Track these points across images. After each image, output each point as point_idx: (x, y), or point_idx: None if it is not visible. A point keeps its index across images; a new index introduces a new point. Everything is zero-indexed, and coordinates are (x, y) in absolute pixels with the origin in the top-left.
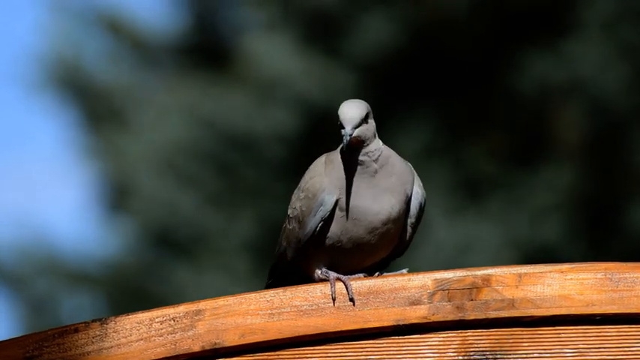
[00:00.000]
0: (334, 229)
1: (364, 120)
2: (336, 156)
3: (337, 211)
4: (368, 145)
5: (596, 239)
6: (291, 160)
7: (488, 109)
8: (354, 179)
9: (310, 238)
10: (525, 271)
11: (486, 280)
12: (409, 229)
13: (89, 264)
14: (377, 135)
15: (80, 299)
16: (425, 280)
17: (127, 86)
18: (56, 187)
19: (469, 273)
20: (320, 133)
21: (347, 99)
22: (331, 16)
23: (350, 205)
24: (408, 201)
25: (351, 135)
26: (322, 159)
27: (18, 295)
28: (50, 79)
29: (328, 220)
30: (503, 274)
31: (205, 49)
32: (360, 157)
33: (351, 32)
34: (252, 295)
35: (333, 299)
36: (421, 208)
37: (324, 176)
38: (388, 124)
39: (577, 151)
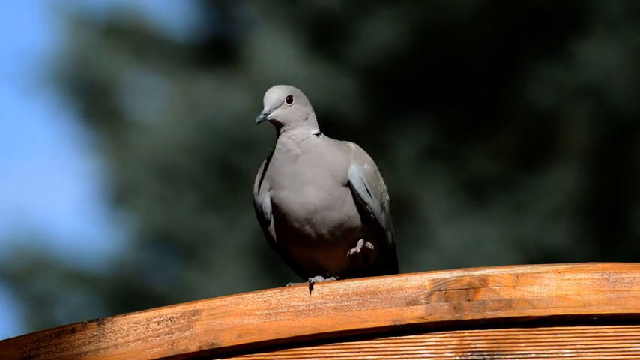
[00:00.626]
0: (277, 226)
1: (287, 102)
2: (271, 153)
3: (273, 209)
4: (292, 128)
5: (602, 243)
6: None
7: (494, 112)
8: (279, 170)
9: (270, 239)
10: (522, 271)
11: (483, 280)
12: (368, 212)
13: (89, 263)
14: (313, 124)
15: (79, 298)
16: (422, 280)
17: (129, 83)
18: (57, 185)
19: (466, 273)
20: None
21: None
22: (335, 19)
23: (277, 200)
24: (347, 184)
25: (265, 114)
26: (262, 162)
27: (16, 293)
28: (52, 74)
29: (270, 220)
30: (500, 274)
31: (209, 49)
32: (283, 139)
33: (355, 35)
34: (250, 295)
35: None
36: (365, 185)
37: (257, 181)
38: (392, 126)
39: (584, 154)
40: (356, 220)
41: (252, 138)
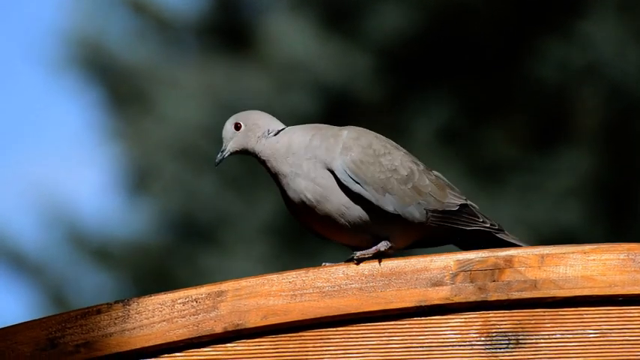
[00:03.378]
0: (301, 220)
1: (236, 130)
2: None
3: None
4: (255, 147)
5: (614, 223)
6: None
7: (506, 93)
8: (276, 182)
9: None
10: (548, 252)
11: (509, 261)
12: (366, 199)
13: (113, 245)
14: (266, 129)
15: (103, 280)
16: (447, 261)
17: (149, 67)
18: (80, 168)
19: (491, 254)
20: (338, 116)
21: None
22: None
23: (285, 202)
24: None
25: (222, 151)
26: None
27: (41, 275)
28: (74, 58)
29: (295, 216)
30: (525, 255)
31: (227, 31)
32: (263, 164)
33: (369, 15)
34: (275, 277)
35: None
36: (350, 176)
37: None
38: (407, 107)
39: (596, 135)
40: (357, 208)
41: None
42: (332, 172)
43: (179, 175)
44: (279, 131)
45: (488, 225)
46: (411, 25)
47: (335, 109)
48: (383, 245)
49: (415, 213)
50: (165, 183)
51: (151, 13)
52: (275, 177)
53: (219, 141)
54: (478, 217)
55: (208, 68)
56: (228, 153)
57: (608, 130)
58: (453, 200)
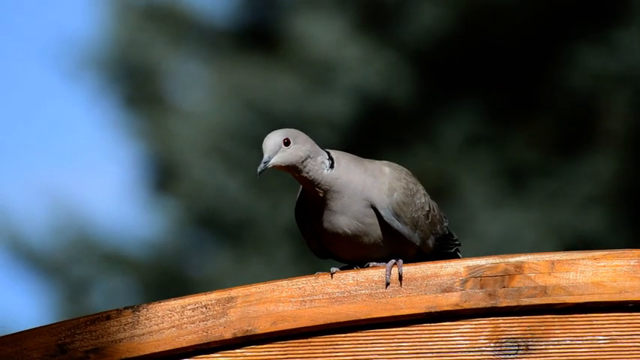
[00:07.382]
0: (319, 240)
1: (285, 145)
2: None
3: (313, 229)
4: (302, 169)
5: (638, 230)
6: (339, 146)
7: (535, 98)
8: (311, 204)
9: (311, 246)
10: (558, 258)
11: (519, 267)
12: (400, 234)
13: (128, 247)
14: (321, 158)
15: (119, 282)
16: (457, 267)
17: (171, 68)
18: (99, 170)
19: (502, 260)
20: (370, 118)
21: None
22: (383, 1)
23: (315, 225)
24: (376, 210)
25: (266, 162)
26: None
27: (56, 278)
28: (94, 59)
29: (310, 237)
30: (535, 261)
31: (255, 31)
32: (302, 183)
33: (402, 18)
34: (284, 283)
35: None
36: (393, 215)
37: (296, 203)
38: (435, 110)
39: (623, 142)
40: (390, 238)
41: (297, 120)
42: (375, 209)
43: (203, 176)
44: (330, 159)
45: (459, 243)
46: (443, 28)
47: (364, 111)
48: (397, 263)
49: (430, 242)
50: (188, 184)
51: (178, 13)
52: (315, 201)
53: (245, 141)
54: (454, 238)
55: (236, 68)
56: (272, 165)
57: (633, 137)
58: (445, 224)
